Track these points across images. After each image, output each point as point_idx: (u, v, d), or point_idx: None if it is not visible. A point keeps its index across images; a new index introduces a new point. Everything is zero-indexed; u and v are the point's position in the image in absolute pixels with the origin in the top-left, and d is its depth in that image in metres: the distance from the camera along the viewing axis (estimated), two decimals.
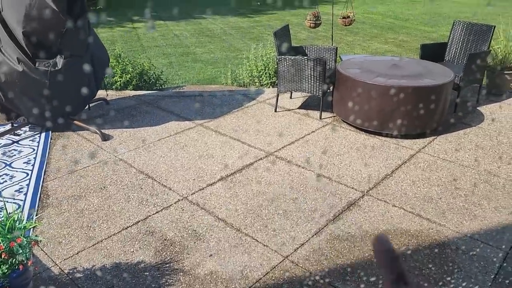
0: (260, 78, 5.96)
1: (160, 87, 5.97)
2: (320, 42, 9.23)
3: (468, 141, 4.22)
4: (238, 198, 3.27)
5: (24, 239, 2.20)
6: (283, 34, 5.07)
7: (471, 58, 4.66)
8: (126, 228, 2.91)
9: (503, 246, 2.75)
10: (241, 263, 2.61)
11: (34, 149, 4.01)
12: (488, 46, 5.11)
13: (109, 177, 3.55)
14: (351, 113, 4.45)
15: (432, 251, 2.71)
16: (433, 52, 5.40)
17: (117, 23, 11.52)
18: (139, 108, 5.03)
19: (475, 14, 12.84)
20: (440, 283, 2.45)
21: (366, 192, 3.36)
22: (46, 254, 2.66)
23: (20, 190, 3.34)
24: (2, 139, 4.21)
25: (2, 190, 3.35)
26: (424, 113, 4.18)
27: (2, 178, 3.53)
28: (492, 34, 5.11)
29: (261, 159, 3.87)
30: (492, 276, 2.51)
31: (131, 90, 5.62)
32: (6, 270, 2.11)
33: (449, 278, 2.49)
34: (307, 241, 2.81)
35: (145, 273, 2.52)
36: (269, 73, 5.95)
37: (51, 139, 4.22)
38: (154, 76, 5.94)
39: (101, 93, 5.21)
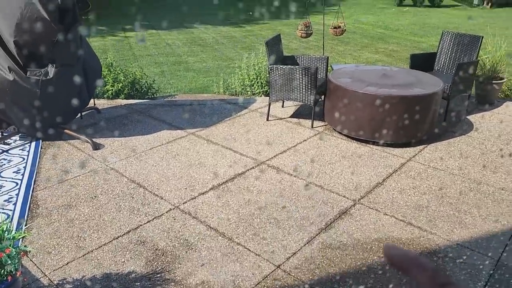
0: (252, 87, 5.99)
1: (152, 96, 5.96)
2: (311, 51, 9.32)
3: (458, 150, 4.27)
4: (229, 207, 3.27)
5: (13, 250, 2.17)
6: (274, 43, 5.11)
7: (459, 68, 4.73)
8: (117, 238, 2.89)
9: (493, 254, 2.78)
10: (233, 273, 2.59)
11: (24, 158, 3.97)
12: (476, 56, 5.20)
13: (100, 186, 3.53)
14: (343, 122, 4.48)
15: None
16: (422, 62, 5.48)
17: (109, 32, 11.52)
18: (131, 117, 5.01)
19: (461, 25, 13.06)
20: None
21: (358, 201, 3.37)
22: (35, 264, 2.63)
23: (10, 200, 3.30)
24: None
25: None
26: (414, 122, 4.22)
27: None
28: (480, 45, 5.20)
29: (252, 168, 3.88)
30: (482, 284, 2.52)
31: (122, 99, 5.60)
32: None
33: None
34: (299, 250, 2.80)
35: (136, 284, 2.50)
36: (261, 82, 5.98)
37: (41, 148, 4.19)
38: (146, 85, 5.94)
39: (93, 102, 5.19)
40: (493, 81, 5.40)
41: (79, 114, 4.78)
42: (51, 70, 3.94)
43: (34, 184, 3.54)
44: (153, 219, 3.11)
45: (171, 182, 3.60)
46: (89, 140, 4.22)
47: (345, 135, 4.54)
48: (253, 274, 2.58)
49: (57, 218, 3.10)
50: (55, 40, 3.85)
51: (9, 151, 4.13)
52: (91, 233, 2.93)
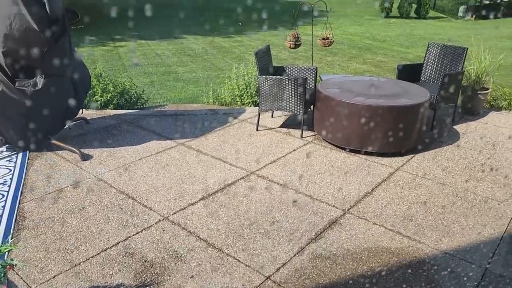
0: (242, 97, 6.01)
1: (141, 106, 5.95)
2: (300, 62, 9.40)
3: (445, 159, 4.32)
4: (219, 217, 3.26)
5: None
6: (264, 54, 5.15)
7: (445, 79, 4.82)
8: (105, 250, 2.86)
9: (481, 263, 2.81)
10: (223, 284, 2.58)
11: (10, 170, 3.92)
12: (462, 67, 5.30)
13: (88, 197, 3.49)
14: (332, 132, 4.52)
15: (412, 268, 2.75)
16: (409, 73, 5.57)
17: (99, 42, 11.50)
18: (120, 128, 4.99)
19: (446, 36, 13.31)
20: None
21: (347, 210, 3.39)
22: (21, 278, 2.58)
23: None
24: None
25: None
26: (402, 132, 4.28)
27: None
28: (465, 56, 5.30)
29: (242, 178, 3.88)
30: None
31: (111, 109, 5.58)
32: None
33: None
34: (289, 260, 2.80)
35: None
36: (250, 92, 6.01)
37: (28, 159, 4.14)
38: (135, 95, 5.93)
39: (81, 113, 5.16)
40: (479, 92, 5.50)
41: (67, 125, 4.74)
42: (39, 80, 3.91)
43: (20, 196, 3.49)
44: (142, 230, 3.08)
45: (160, 193, 3.58)
46: (77, 151, 4.18)
47: (334, 145, 4.57)
48: (243, 286, 2.57)
49: (44, 230, 3.05)
50: (44, 50, 3.83)
51: None
52: (79, 246, 2.89)
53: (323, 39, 6.08)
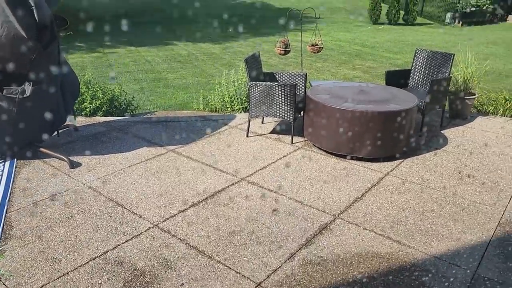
0: (232, 104, 6.02)
1: (131, 113, 5.92)
2: (290, 68, 9.45)
3: (434, 164, 4.37)
4: (210, 224, 3.24)
5: None
6: (254, 60, 5.17)
7: (433, 84, 4.88)
8: (94, 259, 2.82)
9: (470, 266, 2.83)
10: None
11: None
12: (449, 73, 5.38)
13: (77, 206, 3.45)
14: (321, 138, 4.54)
15: (402, 273, 2.76)
16: (398, 78, 5.63)
17: (88, 49, 11.44)
18: (109, 135, 4.96)
19: (434, 42, 13.49)
20: None
21: (338, 216, 3.40)
22: None
23: None
24: None
25: None
26: (391, 137, 4.31)
27: None
28: (452, 62, 5.38)
29: (233, 184, 3.87)
30: None
31: (101, 116, 5.54)
32: None
33: None
34: (279, 266, 2.80)
35: None
36: (240, 98, 6.01)
37: (16, 167, 4.09)
38: (125, 102, 5.90)
39: (70, 120, 5.11)
40: (466, 97, 5.58)
41: (55, 132, 4.70)
42: (28, 88, 3.87)
43: (7, 204, 3.44)
44: (132, 238, 3.05)
45: (150, 200, 3.56)
46: (65, 159, 4.14)
47: (324, 150, 4.59)
48: None
49: (32, 239, 3.01)
50: (32, 58, 3.80)
51: None
52: (67, 255, 2.86)
53: (312, 45, 6.13)
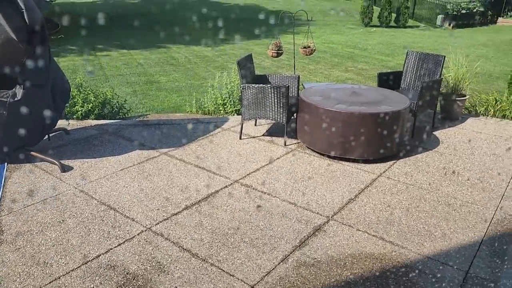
0: (225, 106, 6.01)
1: (124, 116, 5.89)
2: (283, 70, 9.47)
3: (426, 165, 4.39)
4: (203, 227, 3.23)
5: None
6: (246, 62, 5.17)
7: (424, 86, 4.92)
8: (86, 263, 2.80)
9: (462, 266, 2.84)
10: None
11: None
12: (440, 75, 5.42)
13: (69, 209, 3.42)
14: (314, 139, 4.55)
15: (395, 273, 2.77)
16: (390, 80, 5.66)
17: (80, 52, 11.38)
18: (101, 138, 4.93)
19: (425, 45, 13.60)
20: None
21: (331, 217, 3.40)
22: None
23: None
24: None
25: None
26: (383, 138, 4.33)
27: None
28: (443, 63, 5.43)
29: (226, 186, 3.86)
30: None
31: (93, 119, 5.51)
32: None
33: None
34: (273, 268, 2.79)
35: None
36: (233, 101, 6.01)
37: (6, 171, 4.04)
38: (117, 105, 5.87)
39: (61, 123, 5.08)
40: (457, 98, 5.63)
41: (46, 136, 4.66)
42: (19, 91, 3.84)
43: None
44: (124, 242, 3.03)
45: (143, 203, 3.54)
46: (57, 162, 4.11)
47: (317, 152, 4.60)
48: None
49: (23, 244, 2.98)
50: (23, 61, 3.77)
51: None
52: (59, 259, 2.83)
53: (304, 47, 6.15)
